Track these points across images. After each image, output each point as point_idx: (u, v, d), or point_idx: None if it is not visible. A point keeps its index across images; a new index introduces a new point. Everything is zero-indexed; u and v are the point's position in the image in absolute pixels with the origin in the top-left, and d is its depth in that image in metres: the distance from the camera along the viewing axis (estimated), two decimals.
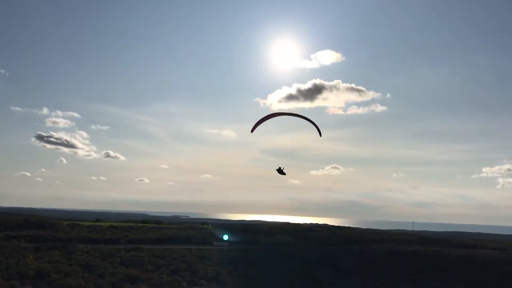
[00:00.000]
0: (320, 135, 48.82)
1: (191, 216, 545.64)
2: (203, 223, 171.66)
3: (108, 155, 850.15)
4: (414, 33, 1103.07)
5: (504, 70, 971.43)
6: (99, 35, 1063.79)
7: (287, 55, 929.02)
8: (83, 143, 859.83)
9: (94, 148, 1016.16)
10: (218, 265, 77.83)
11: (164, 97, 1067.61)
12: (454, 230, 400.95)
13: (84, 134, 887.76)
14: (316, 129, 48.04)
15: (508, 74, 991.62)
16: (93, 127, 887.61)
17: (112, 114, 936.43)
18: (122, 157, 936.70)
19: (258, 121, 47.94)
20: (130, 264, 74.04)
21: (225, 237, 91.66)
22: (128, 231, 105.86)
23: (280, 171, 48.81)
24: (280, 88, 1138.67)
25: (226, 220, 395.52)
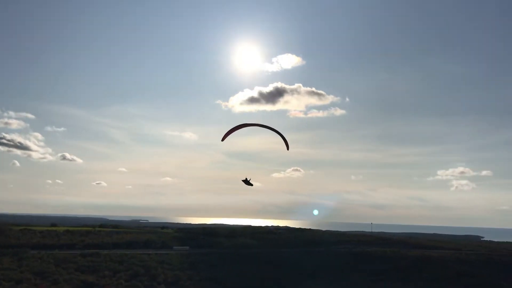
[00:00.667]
0: (288, 149, 48.61)
1: (151, 220, 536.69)
2: (162, 227, 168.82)
3: (64, 158, 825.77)
4: (373, 38, 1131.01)
5: (459, 74, 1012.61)
6: (55, 32, 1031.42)
7: (249, 58, 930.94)
8: (37, 145, 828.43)
9: (49, 150, 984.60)
10: (178, 270, 76.07)
11: (123, 98, 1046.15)
12: (411, 231, 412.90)
13: (39, 135, 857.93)
14: (284, 142, 47.87)
15: (462, 78, 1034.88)
16: (49, 128, 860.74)
17: (68, 115, 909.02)
18: (79, 160, 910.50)
19: (228, 131, 47.16)
20: (86, 270, 71.16)
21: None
22: (85, 236, 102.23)
23: (247, 182, 47.89)
24: (242, 90, 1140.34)
25: (186, 224, 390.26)
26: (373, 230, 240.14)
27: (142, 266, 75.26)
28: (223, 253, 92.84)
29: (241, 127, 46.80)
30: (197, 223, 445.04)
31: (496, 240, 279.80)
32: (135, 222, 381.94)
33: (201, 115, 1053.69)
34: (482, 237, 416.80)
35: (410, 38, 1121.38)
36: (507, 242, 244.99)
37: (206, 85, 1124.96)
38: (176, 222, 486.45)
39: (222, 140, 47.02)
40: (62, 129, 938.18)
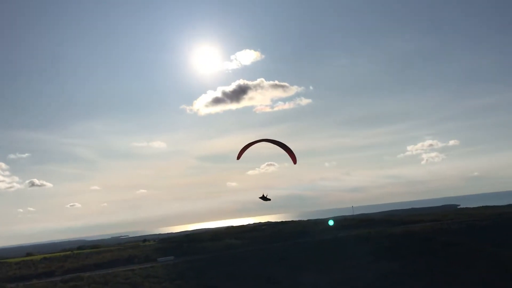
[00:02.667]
0: (295, 163, 47.83)
1: (131, 235, 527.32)
2: (144, 240, 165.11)
3: (33, 184, 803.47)
4: (329, 24, 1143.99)
5: (415, 50, 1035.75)
6: (5, 53, 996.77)
7: (207, 59, 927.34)
8: (2, 175, 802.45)
9: (16, 178, 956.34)
10: (166, 282, 73.79)
11: (86, 115, 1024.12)
12: (390, 209, 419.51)
13: (3, 164, 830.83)
14: (290, 156, 46.93)
15: (419, 54, 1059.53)
16: (12, 156, 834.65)
17: (31, 139, 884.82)
18: (48, 184, 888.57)
19: (241, 149, 46.64)
20: None
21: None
22: (64, 261, 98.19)
23: (264, 198, 47.81)
24: (205, 92, 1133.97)
25: (168, 233, 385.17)
26: (354, 213, 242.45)
27: (127, 283, 72.62)
28: (210, 258, 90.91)
29: (252, 144, 46.33)
30: (178, 231, 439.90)
31: (471, 206, 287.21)
32: (115, 239, 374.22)
33: (167, 122, 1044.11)
34: (458, 205, 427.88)
35: (366, 20, 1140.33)
36: (482, 206, 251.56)
37: (168, 92, 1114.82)
38: (157, 233, 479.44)
39: (238, 158, 47.14)
40: (27, 154, 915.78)
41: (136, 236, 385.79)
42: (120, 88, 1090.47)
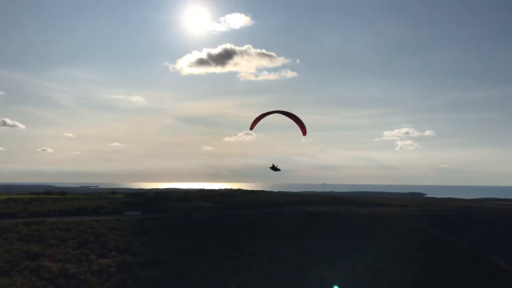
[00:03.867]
0: (305, 134, 47.48)
1: (101, 187, 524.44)
2: (113, 193, 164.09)
3: (4, 124, 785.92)
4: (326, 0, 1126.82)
5: (408, 39, 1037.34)
6: None
7: (196, 18, 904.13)
8: None
9: None
10: (130, 236, 73.44)
11: (68, 61, 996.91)
12: (360, 190, 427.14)
13: None
14: (300, 127, 46.38)
15: (410, 42, 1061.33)
16: None
17: (8, 78, 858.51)
18: (21, 126, 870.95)
19: (255, 120, 46.04)
20: (30, 239, 66.96)
21: None
22: (29, 204, 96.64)
23: (274, 168, 48.29)
24: (190, 52, 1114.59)
25: (138, 189, 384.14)
26: (324, 190, 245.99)
27: (91, 233, 71.94)
28: (178, 217, 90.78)
29: (266, 115, 45.91)
30: (149, 188, 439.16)
31: (438, 196, 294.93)
32: (84, 189, 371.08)
33: (148, 78, 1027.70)
34: (425, 194, 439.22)
35: (364, 1, 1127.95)
36: (448, 198, 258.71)
37: (152, 47, 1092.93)
38: (128, 187, 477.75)
39: (251, 129, 47.00)
40: (1, 93, 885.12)
41: (105, 188, 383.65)
42: (105, 39, 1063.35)
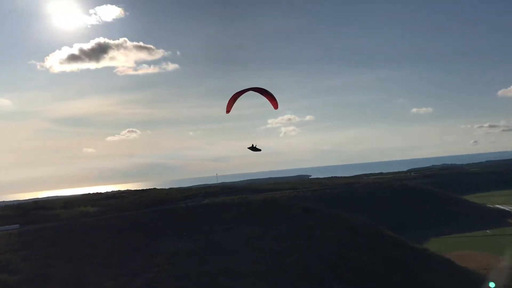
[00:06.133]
0: (276, 108, 45.24)
1: None
2: None
3: None
4: None
5: (288, 29, 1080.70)
6: None
7: (63, 11, 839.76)
8: None
9: None
10: (9, 252, 65.19)
11: None
12: (252, 178, 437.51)
13: None
14: (271, 101, 43.71)
15: (291, 33, 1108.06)
16: None
17: None
18: None
19: (230, 100, 43.72)
20: None
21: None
22: None
23: (254, 148, 46.68)
24: (59, 49, 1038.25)
25: (14, 201, 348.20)
26: (218, 181, 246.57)
27: None
28: (62, 226, 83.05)
29: (240, 94, 43.71)
30: (27, 198, 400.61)
31: (322, 176, 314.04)
32: None
33: (13, 78, 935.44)
34: (310, 175, 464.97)
35: None
36: (331, 177, 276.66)
37: (14, 44, 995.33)
38: (1, 200, 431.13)
39: (227, 112, 44.75)
40: None
41: None
42: None
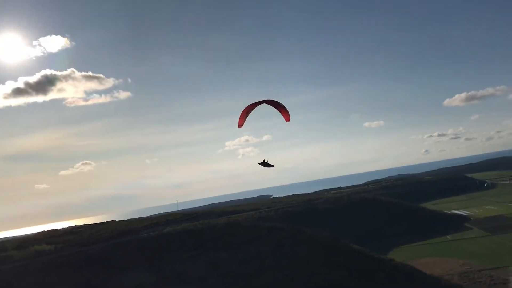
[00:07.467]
0: (288, 120, 43.08)
1: None
2: None
3: None
4: (148, 15, 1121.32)
5: (238, 51, 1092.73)
6: None
7: (5, 44, 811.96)
8: None
9: None
10: None
11: None
12: (213, 202, 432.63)
13: None
14: (282, 114, 41.89)
15: (242, 54, 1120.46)
16: None
17: None
18: None
19: (242, 113, 41.56)
20: None
21: None
22: None
23: (265, 164, 44.18)
24: (3, 83, 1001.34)
25: None
26: (179, 208, 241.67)
27: None
28: (15, 268, 78.22)
29: (255, 106, 41.68)
30: None
31: (283, 195, 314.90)
32: None
33: None
34: (271, 195, 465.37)
35: (186, 17, 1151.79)
36: (292, 195, 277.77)
37: None
38: None
39: (240, 126, 42.73)
40: None
41: None
42: None
